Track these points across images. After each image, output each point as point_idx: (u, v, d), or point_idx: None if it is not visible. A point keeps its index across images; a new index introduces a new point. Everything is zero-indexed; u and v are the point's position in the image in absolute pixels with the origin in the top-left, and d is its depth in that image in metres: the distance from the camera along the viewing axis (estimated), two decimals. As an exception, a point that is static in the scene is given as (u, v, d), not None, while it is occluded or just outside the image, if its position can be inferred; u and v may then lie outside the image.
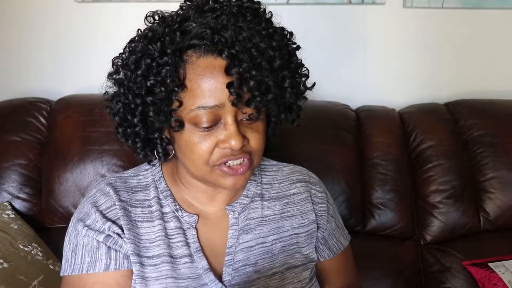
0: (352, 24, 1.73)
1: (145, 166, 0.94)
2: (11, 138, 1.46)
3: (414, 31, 1.74)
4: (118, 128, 0.86)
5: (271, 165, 1.01)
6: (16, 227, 1.35)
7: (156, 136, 0.83)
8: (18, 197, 1.44)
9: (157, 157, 0.86)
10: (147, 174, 0.92)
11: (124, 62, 0.82)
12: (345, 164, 1.51)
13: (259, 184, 0.96)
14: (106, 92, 0.86)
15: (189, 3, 0.83)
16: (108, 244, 0.84)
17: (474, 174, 1.54)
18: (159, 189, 0.90)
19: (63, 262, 0.88)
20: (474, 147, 1.55)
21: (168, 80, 0.76)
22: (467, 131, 1.58)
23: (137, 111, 0.80)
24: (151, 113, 0.79)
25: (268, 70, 0.77)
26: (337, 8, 1.71)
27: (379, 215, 1.51)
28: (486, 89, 1.78)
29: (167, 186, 0.90)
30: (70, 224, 0.89)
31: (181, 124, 0.78)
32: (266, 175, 0.98)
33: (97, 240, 0.84)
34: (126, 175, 0.93)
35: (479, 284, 1.40)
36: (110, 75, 0.84)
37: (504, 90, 1.77)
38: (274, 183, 0.97)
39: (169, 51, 0.76)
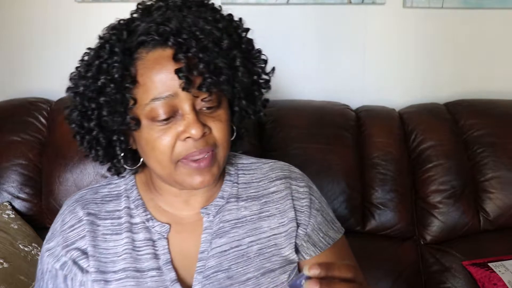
0: (352, 24, 1.73)
1: None
2: (11, 138, 1.46)
3: (414, 31, 1.74)
4: (76, 135, 0.85)
5: (249, 163, 0.96)
6: (16, 227, 1.35)
7: (115, 138, 0.82)
8: (18, 197, 1.44)
9: (123, 164, 0.85)
10: (120, 183, 0.90)
11: (80, 73, 0.83)
12: (345, 164, 1.51)
13: (235, 184, 0.91)
14: (67, 106, 0.85)
15: (140, 7, 0.84)
16: (64, 272, 0.83)
17: (474, 174, 1.54)
18: (130, 199, 0.87)
19: (36, 283, 0.88)
20: (474, 147, 1.55)
21: (117, 75, 0.75)
22: (467, 131, 1.58)
23: (93, 116, 0.80)
24: (104, 112, 0.78)
25: (217, 51, 0.76)
26: (337, 8, 1.71)
27: (379, 215, 1.51)
28: (486, 89, 1.78)
29: (139, 195, 0.88)
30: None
31: (137, 122, 0.77)
32: (244, 174, 0.94)
33: (55, 268, 0.83)
34: (98, 185, 0.91)
35: (479, 284, 1.40)
36: (68, 89, 0.84)
37: (504, 90, 1.77)
38: (253, 182, 0.92)
39: (117, 50, 0.76)
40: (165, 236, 0.85)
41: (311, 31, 1.72)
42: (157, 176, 0.84)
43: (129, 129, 0.79)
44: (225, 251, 0.86)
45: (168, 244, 0.85)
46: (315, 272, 0.61)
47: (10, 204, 1.43)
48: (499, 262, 1.42)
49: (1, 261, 1.20)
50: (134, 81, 0.76)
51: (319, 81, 1.78)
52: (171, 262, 0.84)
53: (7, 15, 1.66)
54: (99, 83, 0.77)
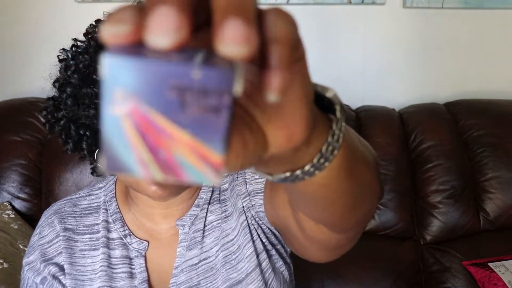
0: (352, 24, 1.73)
1: (100, 184, 0.89)
2: (11, 138, 1.46)
3: (414, 31, 1.74)
4: (45, 124, 0.83)
5: None
6: (16, 227, 1.35)
7: (81, 133, 0.79)
8: (18, 197, 1.44)
9: (94, 163, 0.83)
10: (100, 194, 0.87)
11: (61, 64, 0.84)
12: (345, 164, 1.50)
13: (210, 188, 0.84)
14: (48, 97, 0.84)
15: None
16: (44, 287, 0.81)
17: (474, 174, 1.54)
18: (109, 211, 0.84)
19: None
20: (474, 147, 1.55)
21: (81, 65, 0.76)
22: (467, 131, 1.58)
23: (61, 105, 0.79)
24: (69, 103, 0.76)
25: None
26: (337, 8, 1.71)
27: (379, 215, 1.51)
28: (486, 89, 1.78)
29: (118, 208, 0.84)
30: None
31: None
32: None
33: (36, 282, 0.82)
34: (77, 196, 0.88)
35: (479, 284, 1.40)
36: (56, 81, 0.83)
37: (504, 90, 1.77)
38: (224, 183, 0.84)
39: (92, 43, 0.79)
40: (143, 254, 0.81)
41: (311, 31, 1.72)
42: (126, 184, 0.80)
43: (93, 124, 0.76)
44: (195, 264, 0.81)
45: (146, 262, 0.81)
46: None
47: (10, 204, 1.43)
48: (499, 262, 1.42)
49: (1, 261, 1.20)
50: None
51: (319, 81, 1.77)
52: (147, 281, 0.80)
53: (7, 15, 1.66)
54: (68, 72, 0.77)
